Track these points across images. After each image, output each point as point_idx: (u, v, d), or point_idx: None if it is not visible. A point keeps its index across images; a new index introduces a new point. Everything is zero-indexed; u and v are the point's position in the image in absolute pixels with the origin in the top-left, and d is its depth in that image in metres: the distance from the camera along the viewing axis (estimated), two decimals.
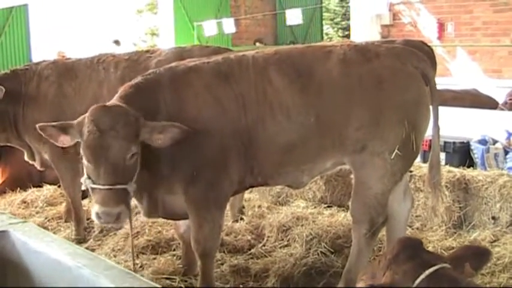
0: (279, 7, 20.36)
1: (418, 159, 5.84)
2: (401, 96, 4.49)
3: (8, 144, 6.38)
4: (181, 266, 5.21)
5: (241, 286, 4.97)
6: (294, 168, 4.62)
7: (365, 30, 15.17)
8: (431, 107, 4.65)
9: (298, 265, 5.17)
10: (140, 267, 5.28)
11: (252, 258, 5.48)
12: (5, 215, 3.81)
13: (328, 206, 6.70)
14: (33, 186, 7.67)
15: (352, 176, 4.71)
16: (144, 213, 4.70)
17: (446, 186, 6.00)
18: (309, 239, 5.60)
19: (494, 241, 5.64)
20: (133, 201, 4.87)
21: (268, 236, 5.87)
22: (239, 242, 5.78)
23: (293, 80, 4.45)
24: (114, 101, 4.25)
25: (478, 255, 2.79)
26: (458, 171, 6.27)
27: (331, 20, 27.07)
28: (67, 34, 19.90)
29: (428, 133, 4.79)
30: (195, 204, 4.46)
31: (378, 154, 4.45)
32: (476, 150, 7.63)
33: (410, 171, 5.90)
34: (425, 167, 5.65)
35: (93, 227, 6.28)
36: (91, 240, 6.08)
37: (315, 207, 6.66)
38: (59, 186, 7.10)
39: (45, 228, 5.88)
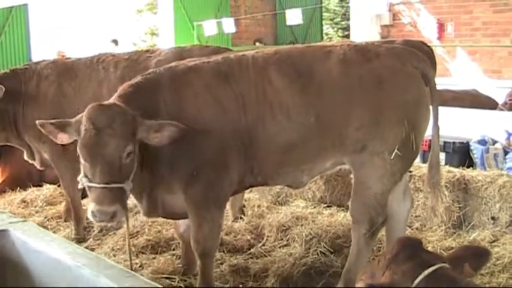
0: (279, 7, 20.35)
1: (418, 159, 5.84)
2: (401, 96, 4.49)
3: (8, 143, 6.39)
4: (180, 265, 5.21)
5: (240, 286, 4.97)
6: (294, 168, 4.62)
7: (365, 30, 15.17)
8: (431, 107, 4.65)
9: (298, 265, 5.17)
10: (140, 266, 5.28)
11: (251, 258, 5.48)
12: (5, 214, 3.82)
13: (328, 206, 6.70)
14: (33, 186, 7.68)
15: (351, 176, 4.71)
16: (144, 213, 4.70)
17: (445, 186, 6.01)
18: (308, 238, 5.61)
19: (494, 241, 5.64)
20: (133, 201, 4.88)
21: (268, 236, 5.87)
22: (239, 241, 5.78)
23: (293, 80, 4.46)
24: (113, 100, 4.26)
25: (477, 256, 2.79)
26: (457, 172, 6.27)
27: (331, 20, 27.08)
28: (67, 34, 19.90)
29: (428, 133, 4.80)
30: (195, 204, 4.46)
31: (378, 154, 4.45)
32: (476, 151, 7.64)
33: (410, 171, 5.90)
34: (424, 167, 5.66)
35: (92, 227, 6.28)
36: (90, 239, 6.08)
37: (314, 207, 6.66)
38: (59, 186, 7.11)
39: (45, 227, 5.89)
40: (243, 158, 4.47)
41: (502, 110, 8.80)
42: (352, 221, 4.75)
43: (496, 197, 5.90)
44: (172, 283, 4.92)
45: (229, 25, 15.97)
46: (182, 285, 4.90)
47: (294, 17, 14.87)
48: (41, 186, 7.70)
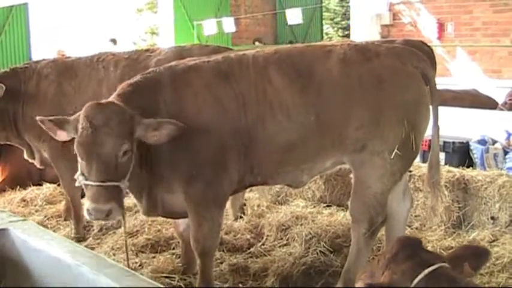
0: (279, 6, 20.36)
1: (418, 159, 5.84)
2: (401, 96, 4.49)
3: (8, 142, 6.39)
4: (180, 264, 5.21)
5: (240, 285, 4.97)
6: (294, 168, 4.62)
7: (365, 30, 15.17)
8: (431, 107, 4.65)
9: (297, 264, 5.17)
10: (140, 265, 5.28)
11: (251, 257, 5.48)
12: (5, 213, 3.82)
13: (328, 206, 6.71)
14: (33, 185, 7.68)
15: (351, 175, 4.71)
16: (143, 212, 4.70)
17: (445, 186, 6.01)
18: (308, 238, 5.61)
19: (493, 241, 5.64)
20: (133, 200, 4.88)
21: (268, 235, 5.87)
22: (238, 241, 5.78)
23: (293, 79, 4.46)
24: (112, 99, 4.26)
25: (477, 255, 2.80)
26: (457, 171, 6.27)
27: (331, 19, 27.09)
28: (67, 33, 19.90)
29: (428, 133, 4.80)
30: (195, 203, 4.46)
31: (378, 154, 4.45)
32: (476, 150, 7.64)
33: (410, 171, 5.91)
34: (424, 167, 5.66)
35: (92, 226, 6.29)
36: (90, 238, 6.08)
37: (314, 207, 6.66)
38: (59, 185, 7.11)
39: (45, 226, 5.90)
40: (243, 158, 4.47)
41: (502, 109, 8.80)
42: (352, 220, 4.75)
43: (496, 196, 5.90)
44: (172, 282, 4.93)
45: (229, 24, 15.96)
46: (182, 285, 4.90)
47: (294, 16, 14.86)
48: (40, 185, 7.71)
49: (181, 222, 5.04)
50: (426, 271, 2.54)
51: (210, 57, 4.71)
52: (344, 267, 4.77)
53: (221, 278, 5.03)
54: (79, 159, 4.02)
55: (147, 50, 6.46)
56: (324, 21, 24.42)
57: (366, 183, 4.55)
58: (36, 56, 14.37)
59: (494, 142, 7.69)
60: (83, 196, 6.29)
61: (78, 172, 4.04)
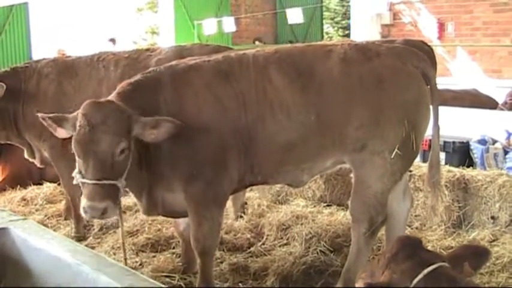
0: (279, 6, 20.37)
1: (418, 158, 5.84)
2: (401, 95, 4.49)
3: (8, 142, 6.39)
4: (180, 264, 5.21)
5: (240, 284, 4.97)
6: (294, 167, 4.62)
7: (365, 29, 15.17)
8: (431, 107, 4.65)
9: (298, 264, 5.17)
10: (140, 265, 5.28)
11: (251, 256, 5.48)
12: (5, 212, 3.82)
13: (328, 205, 6.71)
14: (33, 184, 7.68)
15: (351, 175, 4.71)
16: (143, 211, 4.70)
17: (445, 185, 6.01)
18: (308, 237, 5.61)
19: (493, 241, 5.64)
20: (133, 199, 4.88)
21: (268, 235, 5.87)
22: (238, 240, 5.78)
23: (293, 79, 4.46)
24: (111, 97, 4.27)
25: (477, 255, 2.80)
26: (457, 171, 6.27)
27: (332, 19, 27.09)
28: (67, 32, 19.90)
29: (428, 133, 4.80)
30: (195, 202, 4.46)
31: (378, 153, 4.45)
32: (476, 150, 7.64)
33: (410, 171, 5.91)
34: (425, 167, 5.66)
35: (92, 225, 6.29)
36: (90, 237, 6.08)
37: (314, 206, 6.66)
38: (59, 184, 7.11)
39: (45, 225, 5.88)
40: (243, 157, 4.47)
41: (502, 109, 8.80)
42: (352, 220, 4.74)
43: (496, 196, 5.90)
44: (172, 281, 4.93)
45: (229, 24, 15.98)
46: (182, 284, 4.90)
47: (295, 16, 14.88)
48: (41, 184, 7.71)
49: (182, 222, 5.04)
50: (426, 271, 2.55)
51: (210, 56, 4.71)
52: (344, 266, 4.77)
53: (221, 278, 5.03)
54: (76, 157, 4.03)
55: (147, 50, 6.46)
56: (324, 21, 24.44)
57: (366, 183, 4.54)
58: (36, 55, 14.39)
59: (494, 142, 7.69)
60: None
61: (76, 170, 4.05)
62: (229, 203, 5.82)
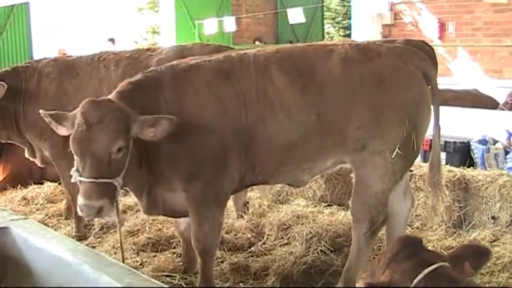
0: (280, 6, 20.38)
1: (419, 158, 5.84)
2: (402, 95, 4.49)
3: (9, 141, 6.39)
4: (181, 263, 5.22)
5: (241, 284, 4.97)
6: (295, 167, 4.62)
7: (366, 29, 15.16)
8: (432, 107, 4.65)
9: (298, 264, 5.17)
10: (140, 264, 5.29)
11: (252, 256, 5.48)
12: (6, 212, 3.82)
13: (328, 205, 6.71)
14: (34, 183, 7.69)
15: (352, 174, 4.71)
16: (144, 211, 4.71)
17: (446, 185, 6.01)
18: (309, 237, 5.61)
19: (494, 241, 5.64)
20: (134, 199, 4.88)
21: (268, 235, 5.87)
22: (239, 240, 5.78)
23: (294, 78, 4.46)
24: (111, 96, 4.27)
25: (477, 255, 2.80)
26: (458, 171, 6.27)
27: (333, 19, 27.09)
28: (68, 32, 19.91)
29: (429, 133, 4.79)
30: (195, 202, 4.46)
31: (379, 153, 4.45)
32: (477, 150, 7.64)
33: (411, 171, 5.91)
34: (425, 167, 5.66)
35: (93, 224, 6.29)
36: (91, 237, 6.08)
37: (315, 206, 6.66)
38: (60, 184, 7.12)
39: (46, 225, 5.88)
40: (244, 157, 4.47)
41: (502, 109, 8.80)
42: (353, 220, 4.74)
43: (497, 196, 5.90)
44: (173, 281, 4.93)
45: (230, 24, 15.97)
46: (183, 284, 4.90)
47: (296, 15, 14.87)
48: (41, 183, 7.71)
49: (182, 221, 5.04)
50: (426, 270, 2.55)
51: (211, 56, 4.71)
52: (345, 266, 4.77)
53: (222, 277, 5.03)
54: (74, 155, 4.04)
55: (148, 49, 6.46)
56: (325, 21, 24.45)
57: (366, 183, 4.54)
58: (37, 55, 14.41)
59: (495, 142, 7.69)
60: None
61: (74, 168, 4.05)
62: (230, 203, 5.81)
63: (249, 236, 5.86)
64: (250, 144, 4.45)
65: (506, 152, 7.51)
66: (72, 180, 4.07)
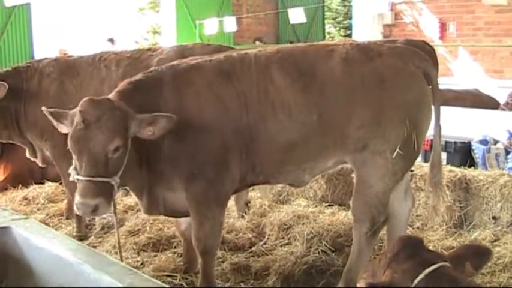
0: (281, 6, 20.38)
1: (420, 158, 5.84)
2: (403, 95, 4.49)
3: (10, 141, 6.39)
4: (182, 263, 5.22)
5: (241, 284, 4.97)
6: (295, 167, 4.63)
7: (367, 29, 15.18)
8: (433, 107, 4.65)
9: (299, 263, 5.17)
10: (141, 264, 5.28)
11: (252, 256, 5.48)
12: (7, 211, 3.82)
13: (329, 205, 6.71)
14: (35, 183, 7.69)
15: (353, 174, 4.71)
16: (144, 211, 4.71)
17: (447, 185, 6.01)
18: (309, 237, 5.61)
19: (495, 241, 5.64)
20: (135, 199, 4.88)
21: (269, 234, 5.87)
22: (240, 240, 5.78)
23: (295, 78, 4.46)
24: (111, 96, 4.27)
25: (478, 255, 2.80)
26: (459, 171, 6.27)
27: (333, 19, 27.09)
28: (69, 32, 19.92)
29: (430, 133, 4.80)
30: (196, 202, 4.47)
31: (380, 153, 4.45)
32: (477, 150, 7.64)
33: (412, 171, 5.91)
34: (426, 167, 5.66)
35: (94, 224, 6.30)
36: (92, 237, 6.08)
37: (316, 206, 6.66)
38: (61, 183, 7.12)
39: (47, 224, 5.87)
40: (245, 157, 4.47)
41: (503, 109, 8.80)
42: (354, 219, 4.74)
43: (497, 196, 5.90)
44: (174, 281, 4.93)
45: (230, 24, 15.98)
46: (183, 283, 4.90)
47: (297, 15, 14.88)
48: (42, 183, 7.72)
49: (183, 221, 5.04)
50: (427, 270, 2.54)
51: (212, 56, 4.71)
52: (345, 266, 4.77)
53: (223, 277, 5.03)
54: (72, 153, 4.04)
55: (149, 49, 6.47)
56: (325, 21, 24.46)
57: (367, 183, 4.55)
58: (38, 55, 14.40)
59: (495, 142, 7.69)
60: None
61: (72, 166, 4.06)
62: (231, 202, 5.82)
63: (250, 236, 5.86)
64: (251, 144, 4.45)
65: (507, 152, 7.51)
66: (70, 179, 4.08)
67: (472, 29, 14.04)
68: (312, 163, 4.64)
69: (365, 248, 4.65)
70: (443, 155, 7.26)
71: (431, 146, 5.01)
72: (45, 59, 6.41)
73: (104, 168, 3.95)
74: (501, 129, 7.77)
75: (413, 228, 6.04)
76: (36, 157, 6.33)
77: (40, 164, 6.43)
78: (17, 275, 3.37)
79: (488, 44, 13.79)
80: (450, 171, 6.23)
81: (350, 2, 21.76)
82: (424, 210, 6.26)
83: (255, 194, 7.06)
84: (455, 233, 5.92)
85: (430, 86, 4.62)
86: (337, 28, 27.10)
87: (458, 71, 13.92)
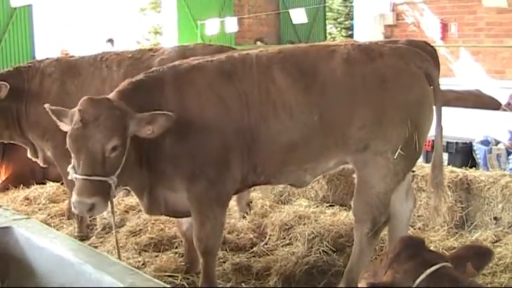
0: (282, 6, 20.37)
1: (421, 159, 5.84)
2: (404, 96, 4.49)
3: (11, 141, 6.40)
4: (183, 263, 5.22)
5: (243, 284, 4.97)
6: (297, 167, 4.63)
7: (368, 30, 15.19)
8: (434, 107, 4.65)
9: (300, 264, 5.17)
10: (142, 264, 5.29)
11: (254, 256, 5.48)
12: (9, 211, 3.82)
13: (330, 205, 6.70)
14: (36, 183, 7.69)
15: (354, 175, 4.71)
16: (145, 211, 4.71)
17: (448, 186, 6.00)
18: (311, 237, 5.61)
19: (496, 241, 5.64)
20: (136, 199, 4.88)
21: (271, 235, 5.87)
22: (241, 240, 5.78)
23: (296, 79, 4.46)
24: (111, 95, 4.28)
25: (479, 255, 2.80)
26: (460, 172, 6.27)
27: (335, 19, 27.09)
28: (70, 32, 19.93)
29: (431, 133, 4.80)
30: (197, 202, 4.47)
31: (381, 153, 4.45)
32: (479, 151, 7.64)
33: (413, 171, 5.90)
34: (427, 167, 5.66)
35: (95, 224, 6.30)
36: (93, 237, 6.08)
37: (317, 206, 6.66)
38: (62, 184, 7.13)
39: (48, 225, 5.89)
40: (246, 157, 4.47)
41: (505, 110, 8.80)
42: (355, 220, 4.75)
43: (499, 197, 5.90)
44: (175, 281, 4.93)
45: (231, 24, 15.98)
46: (185, 283, 4.90)
47: (298, 16, 14.88)
48: (44, 183, 7.72)
49: (184, 221, 5.04)
50: (428, 271, 2.54)
51: (213, 56, 4.72)
52: (347, 266, 4.77)
53: (224, 277, 5.03)
54: (70, 152, 4.05)
55: (150, 50, 6.47)
56: (327, 21, 24.44)
57: (369, 183, 4.55)
58: (39, 55, 14.40)
59: (497, 143, 7.69)
60: None
61: (70, 165, 4.06)
62: (232, 203, 5.81)
63: (251, 236, 5.86)
64: (253, 145, 4.45)
65: (509, 153, 7.51)
66: (69, 177, 4.08)
67: (473, 29, 14.04)
68: (314, 163, 4.64)
69: (366, 248, 4.65)
70: (445, 156, 7.27)
71: (432, 147, 5.01)
72: (47, 59, 6.41)
73: (101, 167, 3.96)
74: (502, 130, 7.77)
75: (414, 229, 6.04)
76: (37, 157, 6.33)
77: (41, 164, 6.43)
78: (19, 275, 3.37)
79: (490, 44, 13.79)
80: (451, 172, 6.23)
81: (351, 2, 21.78)
82: (425, 211, 6.26)
83: (256, 195, 7.06)
84: (457, 233, 5.92)
85: (432, 87, 4.63)
86: (339, 29, 27.11)
87: (459, 71, 13.92)
